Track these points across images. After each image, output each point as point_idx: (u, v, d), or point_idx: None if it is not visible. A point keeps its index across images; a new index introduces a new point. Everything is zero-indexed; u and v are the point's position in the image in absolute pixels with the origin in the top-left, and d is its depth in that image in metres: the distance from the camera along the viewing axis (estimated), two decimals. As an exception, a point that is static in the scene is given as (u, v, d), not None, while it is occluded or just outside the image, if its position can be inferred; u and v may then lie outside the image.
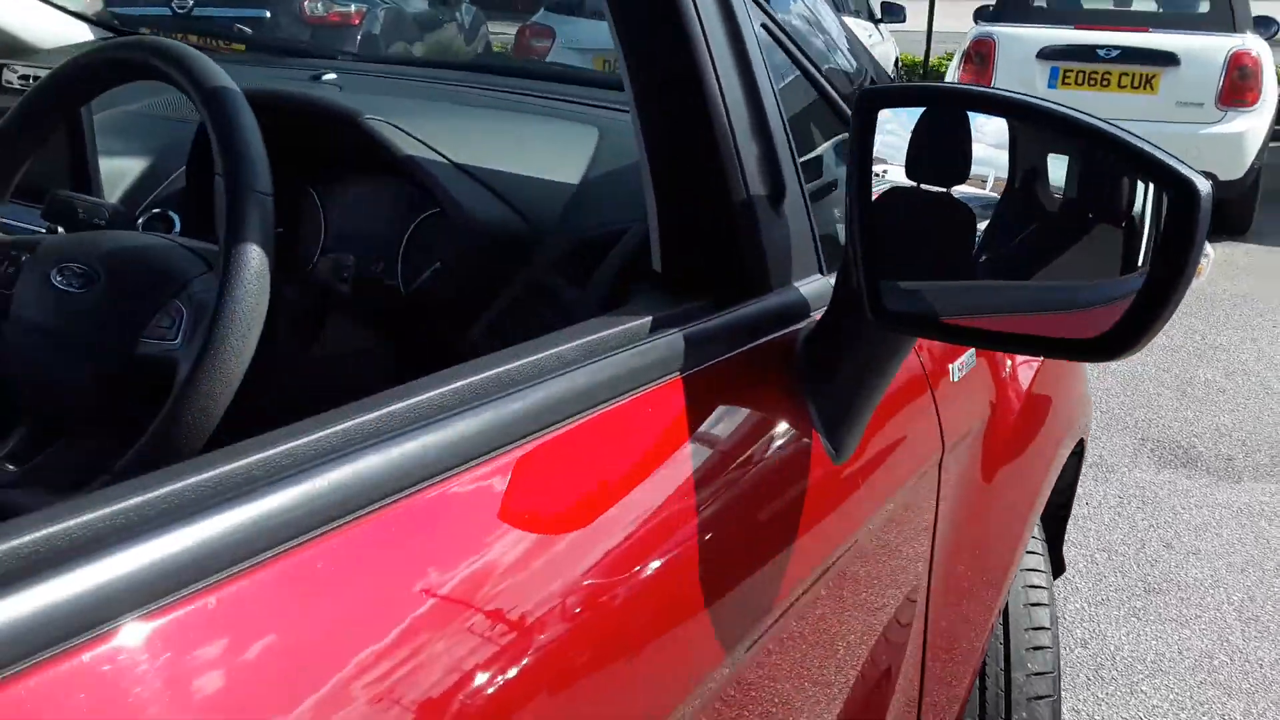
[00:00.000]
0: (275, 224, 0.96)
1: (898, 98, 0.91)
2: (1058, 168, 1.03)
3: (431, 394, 0.65)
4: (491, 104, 1.58)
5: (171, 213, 1.37)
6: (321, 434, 0.58)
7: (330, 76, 1.74)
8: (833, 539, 0.98)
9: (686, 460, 0.81)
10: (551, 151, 1.31)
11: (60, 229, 1.35)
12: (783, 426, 0.93)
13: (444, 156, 1.18)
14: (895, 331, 0.91)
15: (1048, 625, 1.58)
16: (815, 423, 0.96)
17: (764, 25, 1.01)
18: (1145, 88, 6.19)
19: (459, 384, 0.67)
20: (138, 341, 0.98)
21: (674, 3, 0.89)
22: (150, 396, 1.02)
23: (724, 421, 0.88)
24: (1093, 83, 6.28)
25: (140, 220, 1.32)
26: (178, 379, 0.92)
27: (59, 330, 1.01)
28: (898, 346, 0.95)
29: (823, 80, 1.13)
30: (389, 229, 1.29)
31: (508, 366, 0.72)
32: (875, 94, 0.90)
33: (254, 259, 0.93)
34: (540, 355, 0.75)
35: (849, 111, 1.19)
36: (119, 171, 1.42)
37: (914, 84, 0.91)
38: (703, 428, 0.84)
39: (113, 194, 1.41)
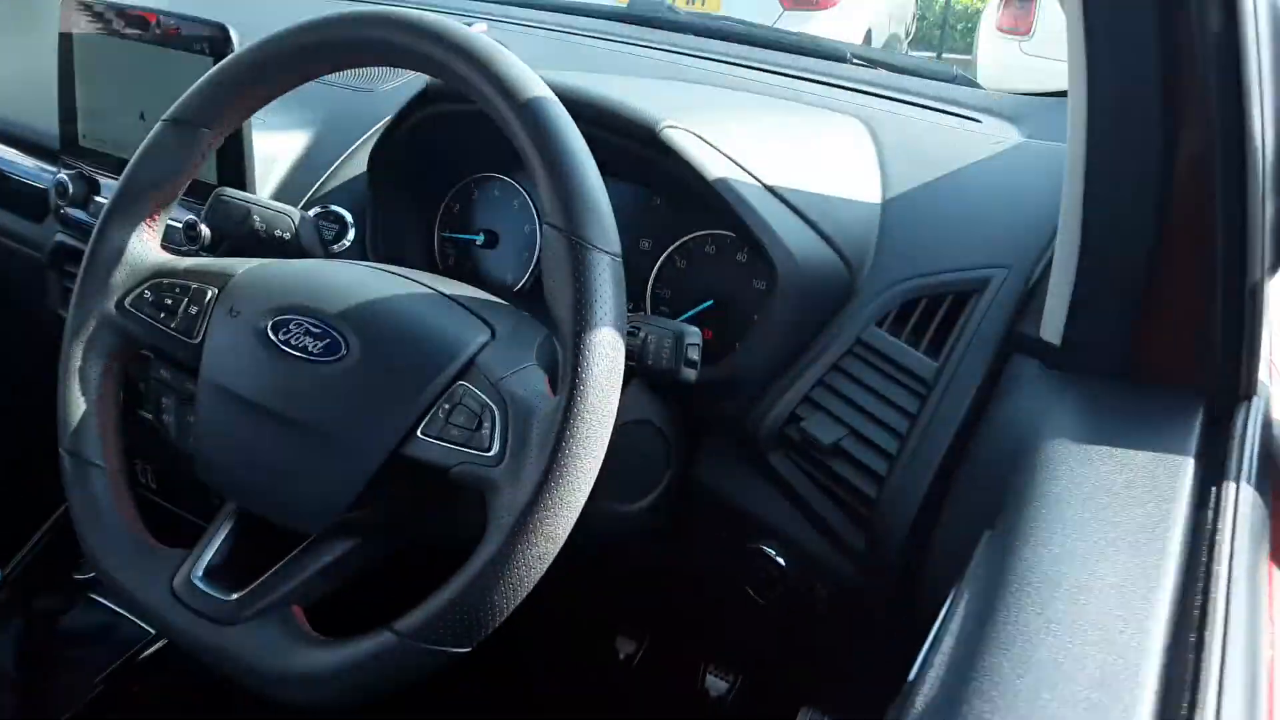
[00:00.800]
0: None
1: None
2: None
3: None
4: (708, 78, 1.29)
5: (340, 209, 1.09)
6: None
7: (481, 27, 1.44)
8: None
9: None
10: (829, 156, 1.03)
11: (202, 228, 1.07)
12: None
13: (752, 175, 0.90)
14: None
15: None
16: None
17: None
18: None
19: None
20: (412, 439, 0.72)
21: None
22: (409, 499, 0.77)
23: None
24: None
25: (312, 215, 1.03)
26: (500, 507, 0.66)
27: (292, 412, 0.74)
28: None
29: None
30: (628, 247, 1.02)
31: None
32: None
33: (608, 350, 0.66)
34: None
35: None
36: (268, 153, 1.12)
37: None
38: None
39: (264, 183, 1.12)
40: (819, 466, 0.86)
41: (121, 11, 1.13)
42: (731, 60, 1.35)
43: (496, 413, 0.69)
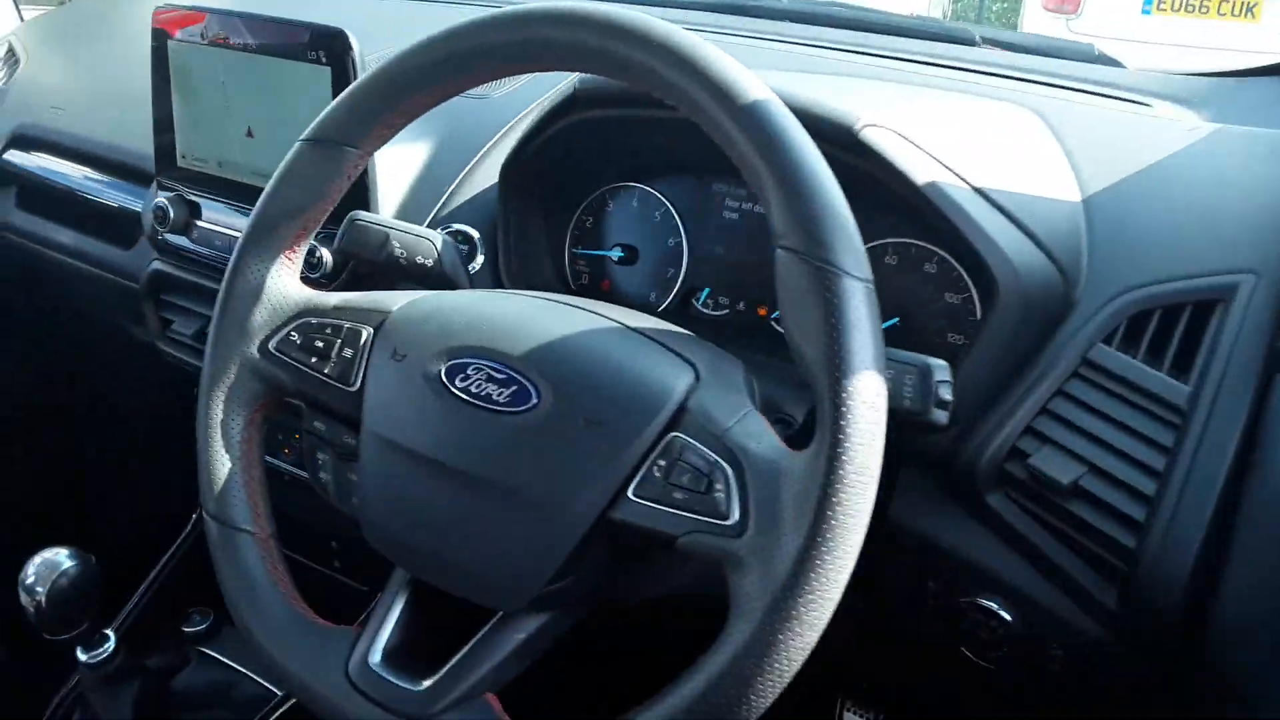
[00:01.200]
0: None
1: None
2: None
3: None
4: (828, 69, 1.18)
5: (467, 228, 1.00)
6: None
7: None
8: None
9: None
10: (1016, 151, 0.92)
11: (323, 254, 0.98)
12: None
13: (959, 175, 0.80)
14: None
15: None
16: None
17: None
18: (1246, 15, 5.79)
19: None
20: (621, 500, 0.62)
21: None
22: (613, 565, 0.68)
23: None
24: (1190, 9, 5.88)
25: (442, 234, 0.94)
26: (748, 588, 0.57)
27: (478, 471, 0.65)
28: None
29: None
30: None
31: None
32: None
33: (872, 398, 0.57)
34: None
35: None
36: (386, 170, 1.03)
37: None
38: None
39: (385, 202, 1.03)
40: (1052, 509, 0.76)
41: (221, 18, 1.03)
42: (847, 48, 1.25)
43: (730, 471, 0.60)
